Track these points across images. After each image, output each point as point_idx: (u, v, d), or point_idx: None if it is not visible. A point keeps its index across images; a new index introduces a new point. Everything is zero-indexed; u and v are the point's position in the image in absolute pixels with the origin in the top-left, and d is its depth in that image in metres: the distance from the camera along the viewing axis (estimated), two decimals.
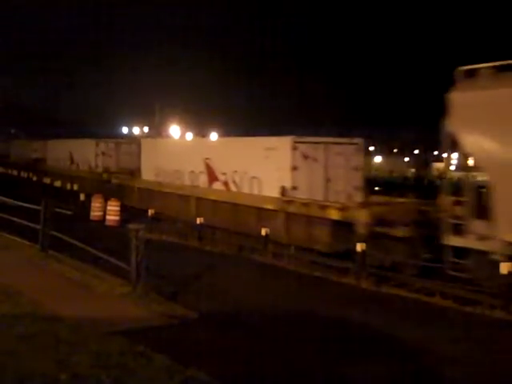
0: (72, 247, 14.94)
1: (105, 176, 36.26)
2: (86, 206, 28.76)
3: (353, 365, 8.55)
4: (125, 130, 75.22)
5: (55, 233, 15.60)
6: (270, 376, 7.90)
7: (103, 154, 38.58)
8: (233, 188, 23.03)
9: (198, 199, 24.86)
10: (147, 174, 30.34)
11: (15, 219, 17.83)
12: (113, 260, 12.95)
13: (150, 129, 70.23)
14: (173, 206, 26.55)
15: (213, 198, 23.81)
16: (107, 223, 25.62)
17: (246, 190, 22.28)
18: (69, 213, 18.74)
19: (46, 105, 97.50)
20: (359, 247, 15.56)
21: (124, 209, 27.15)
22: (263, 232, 19.45)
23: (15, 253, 15.84)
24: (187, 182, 26.19)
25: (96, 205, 27.43)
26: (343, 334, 10.12)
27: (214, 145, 27.65)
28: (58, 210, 17.01)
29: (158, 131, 65.80)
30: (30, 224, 16.54)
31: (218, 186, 24.03)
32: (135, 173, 32.70)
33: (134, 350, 8.05)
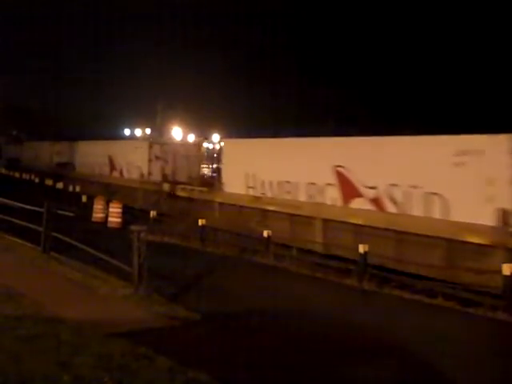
0: (74, 249, 14.94)
1: (166, 187, 29.99)
2: (88, 208, 28.79)
3: (354, 366, 8.53)
4: (127, 131, 75.32)
5: (57, 234, 15.61)
6: (271, 377, 7.90)
7: (157, 158, 32.04)
8: (390, 208, 17.72)
9: (326, 222, 19.59)
10: (234, 186, 24.64)
11: (17, 221, 17.84)
12: (115, 262, 12.95)
13: (152, 130, 70.30)
14: (281, 229, 20.78)
15: (355, 221, 18.51)
16: (109, 225, 25.64)
17: (416, 211, 16.90)
18: (71, 214, 18.72)
19: (46, 106, 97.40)
20: (361, 248, 15.55)
21: (128, 211, 27.17)
22: (265, 233, 19.44)
23: (17, 254, 15.85)
24: (304, 197, 20.89)
25: (98, 207, 27.47)
26: (345, 336, 10.10)
27: (351, 146, 20.44)
28: (59, 211, 16.99)
29: (160, 133, 65.86)
30: (31, 226, 16.56)
31: (360, 203, 18.70)
32: (211, 183, 27.69)
33: (136, 352, 8.05)
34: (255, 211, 22.45)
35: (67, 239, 15.26)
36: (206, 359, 8.19)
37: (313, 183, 20.46)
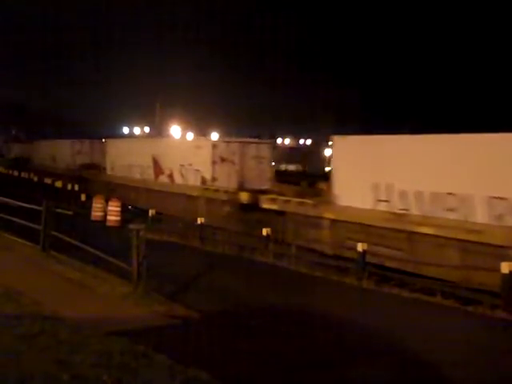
0: (73, 247, 14.94)
1: (244, 197, 24.08)
2: (87, 207, 28.77)
3: (353, 366, 8.54)
4: (126, 130, 75.30)
5: (56, 233, 15.60)
6: (271, 376, 7.90)
7: (222, 160, 26.61)
8: None
9: None
10: (353, 198, 18.49)
11: (16, 219, 17.83)
12: (114, 260, 12.95)
13: (150, 129, 70.28)
14: (443, 261, 15.47)
15: None
16: (108, 223, 25.64)
17: None
18: (69, 213, 18.72)
19: (44, 104, 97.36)
20: (360, 247, 15.55)
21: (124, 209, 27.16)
22: (264, 232, 19.43)
23: (16, 253, 15.84)
24: (482, 216, 14.81)
25: (97, 205, 27.45)
26: (344, 334, 10.11)
27: None
28: (58, 210, 16.99)
29: (158, 131, 65.82)
30: (30, 224, 16.55)
31: None
32: (320, 192, 22.37)
33: (136, 350, 8.05)
34: (394, 233, 16.86)
35: (66, 238, 15.25)
36: (206, 358, 8.19)
37: (500, 197, 14.38)
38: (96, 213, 27.26)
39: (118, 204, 26.33)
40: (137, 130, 71.36)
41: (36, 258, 15.22)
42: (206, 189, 26.53)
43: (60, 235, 15.43)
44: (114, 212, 25.97)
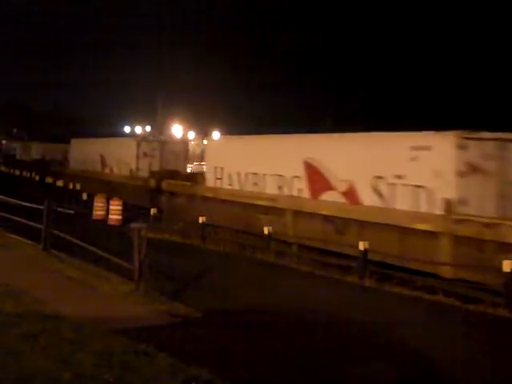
0: (74, 246, 14.95)
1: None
2: (89, 206, 28.80)
3: (354, 364, 8.54)
4: (127, 129, 75.33)
5: (57, 232, 15.62)
6: (271, 375, 7.91)
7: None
8: None
9: None
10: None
11: (17, 218, 17.86)
12: (115, 259, 12.96)
13: (152, 128, 70.28)
14: None
15: None
16: (109, 222, 25.67)
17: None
18: (71, 212, 18.75)
19: (45, 103, 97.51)
20: (361, 245, 15.55)
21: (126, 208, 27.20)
22: (265, 230, 19.43)
23: (18, 252, 15.88)
24: None
25: (98, 204, 27.48)
26: (345, 333, 10.10)
27: None
28: (60, 209, 17.01)
29: (160, 130, 65.81)
30: (32, 223, 16.57)
31: None
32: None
33: (137, 349, 8.06)
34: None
35: (68, 237, 15.27)
36: (207, 356, 8.19)
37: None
38: (97, 212, 27.29)
39: (120, 203, 26.36)
40: (138, 129, 71.37)
41: (37, 256, 15.24)
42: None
43: (61, 234, 15.44)
44: (115, 211, 26.00)
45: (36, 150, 60.88)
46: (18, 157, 65.61)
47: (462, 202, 15.80)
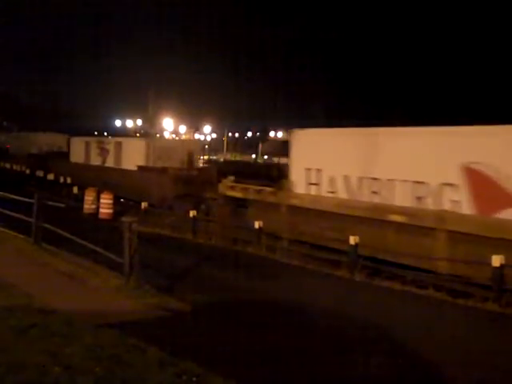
0: (65, 240, 14.91)
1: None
2: (80, 199, 28.71)
3: (343, 357, 8.59)
4: (118, 122, 75.15)
5: (48, 226, 15.57)
6: (261, 367, 7.94)
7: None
8: None
9: None
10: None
11: (7, 212, 17.77)
12: (106, 253, 12.94)
13: (143, 121, 70.15)
14: None
15: None
16: (100, 216, 25.60)
17: None
18: (61, 206, 18.67)
19: (36, 97, 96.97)
20: (352, 240, 15.59)
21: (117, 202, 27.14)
22: (257, 225, 19.45)
23: (8, 245, 15.81)
24: None
25: (89, 198, 27.38)
26: (335, 326, 10.16)
27: None
28: (50, 203, 16.95)
29: (151, 124, 65.70)
30: (22, 217, 16.51)
31: None
32: None
33: (127, 343, 8.07)
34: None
35: (58, 230, 15.22)
36: (197, 350, 8.22)
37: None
38: (88, 205, 27.21)
39: (111, 197, 26.28)
40: (129, 123, 71.19)
41: (28, 250, 15.19)
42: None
43: (52, 228, 15.40)
44: (106, 205, 25.93)
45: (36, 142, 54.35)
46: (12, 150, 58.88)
47: None
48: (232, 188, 23.95)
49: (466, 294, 13.31)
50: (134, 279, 11.69)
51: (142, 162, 33.55)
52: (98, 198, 26.76)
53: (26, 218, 16.22)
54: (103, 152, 38.33)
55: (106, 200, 26.04)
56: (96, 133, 74.93)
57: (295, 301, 11.84)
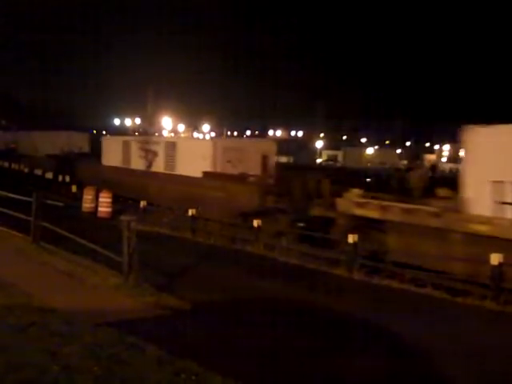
0: (64, 239, 14.90)
1: None
2: (78, 198, 28.69)
3: (341, 354, 8.60)
4: (116, 121, 75.10)
5: (47, 224, 15.56)
6: (261, 365, 7.95)
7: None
8: None
9: None
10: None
11: (6, 211, 17.76)
12: (105, 251, 12.94)
13: (142, 120, 70.09)
14: None
15: None
16: (99, 215, 25.58)
17: None
18: (60, 204, 18.66)
19: (34, 95, 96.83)
20: (351, 238, 15.60)
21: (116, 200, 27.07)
22: (255, 223, 19.44)
23: (6, 244, 15.80)
24: None
25: (88, 196, 27.36)
26: (333, 325, 10.17)
27: None
28: (49, 201, 16.93)
29: (150, 123, 65.62)
30: (21, 215, 16.49)
31: None
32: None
33: (126, 341, 8.07)
34: None
35: (57, 229, 15.21)
36: (196, 348, 8.23)
37: None
38: (87, 204, 27.19)
39: (109, 195, 26.25)
40: (128, 122, 71.14)
41: (26, 249, 15.18)
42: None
43: (51, 226, 15.39)
44: (105, 203, 25.91)
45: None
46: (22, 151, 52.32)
47: None
48: (362, 205, 18.24)
49: (465, 293, 13.33)
50: (133, 278, 11.69)
51: (207, 167, 27.28)
52: (96, 197, 26.76)
53: (25, 217, 16.21)
54: (149, 154, 31.60)
55: (105, 198, 26.02)
56: (95, 131, 74.72)
57: (295, 300, 11.85)
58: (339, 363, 8.26)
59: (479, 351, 9.12)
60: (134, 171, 32.48)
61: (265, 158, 28.34)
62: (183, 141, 33.71)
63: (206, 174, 26.89)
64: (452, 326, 10.55)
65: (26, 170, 45.32)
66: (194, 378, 6.94)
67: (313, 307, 11.32)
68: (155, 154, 31.34)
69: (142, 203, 25.86)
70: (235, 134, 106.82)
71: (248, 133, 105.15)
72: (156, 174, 30.61)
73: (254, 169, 27.08)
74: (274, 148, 30.14)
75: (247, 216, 21.53)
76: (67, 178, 25.26)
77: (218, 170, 27.17)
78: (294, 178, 24.08)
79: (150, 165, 31.59)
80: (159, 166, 30.86)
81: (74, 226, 17.25)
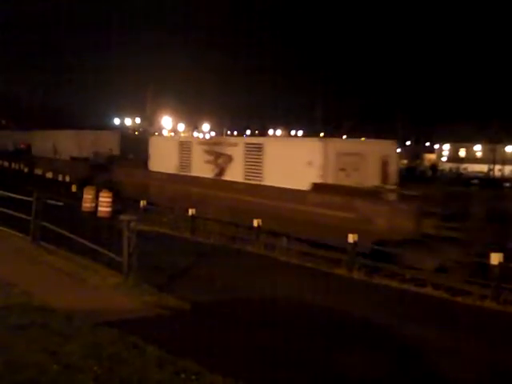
0: (63, 238, 14.90)
1: None
2: (78, 198, 28.66)
3: (340, 354, 8.60)
4: (116, 121, 75.04)
5: (46, 224, 15.55)
6: (260, 364, 7.95)
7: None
8: None
9: None
10: None
11: (6, 210, 17.75)
12: (105, 251, 12.94)
13: (141, 119, 70.06)
14: None
15: None
16: (99, 214, 25.55)
17: None
18: (60, 204, 18.65)
19: (32, 94, 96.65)
20: (351, 238, 15.61)
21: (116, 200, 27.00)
22: (255, 223, 19.45)
23: (6, 244, 15.80)
24: None
25: (88, 196, 27.33)
26: (333, 324, 10.17)
27: None
28: (49, 201, 16.92)
29: (150, 122, 65.61)
30: (21, 215, 16.49)
31: None
32: None
33: (126, 341, 8.08)
34: None
35: (57, 229, 15.21)
36: (196, 348, 8.23)
37: None
38: (87, 204, 27.16)
39: (109, 195, 26.22)
40: (128, 121, 71.12)
41: (26, 248, 15.17)
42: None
43: (50, 226, 15.39)
44: (105, 203, 25.88)
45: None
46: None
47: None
48: None
49: (465, 292, 13.34)
50: (133, 277, 11.69)
51: (315, 177, 20.76)
52: (96, 197, 26.72)
53: (25, 217, 16.20)
54: (220, 158, 25.56)
55: (105, 198, 26.00)
56: None
57: (295, 299, 11.85)
58: (339, 363, 8.27)
59: (479, 351, 9.12)
60: (196, 180, 26.76)
61: (385, 165, 22.11)
62: (274, 142, 25.88)
63: (316, 186, 20.39)
64: (452, 326, 10.54)
65: (26, 170, 45.26)
66: (194, 377, 6.94)
67: (313, 307, 11.31)
68: (229, 158, 25.13)
69: (142, 203, 25.66)
70: (235, 133, 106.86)
71: (248, 132, 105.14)
72: (230, 183, 24.44)
73: (371, 178, 21.30)
74: (395, 151, 23.87)
75: (388, 246, 16.32)
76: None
77: (330, 180, 20.77)
78: (472, 196, 18.54)
79: (220, 172, 25.55)
80: (235, 174, 24.59)
81: (74, 225, 17.23)
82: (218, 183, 24.96)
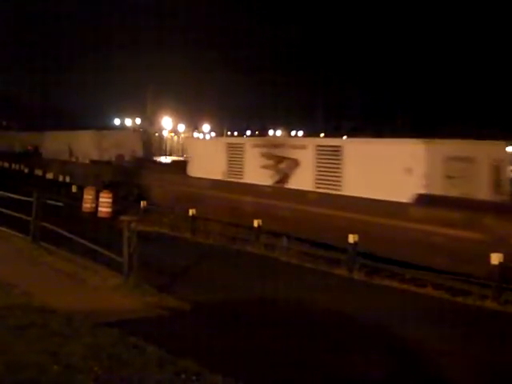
0: (64, 239, 14.90)
1: None
2: (78, 198, 28.65)
3: (340, 354, 8.60)
4: (117, 121, 75.02)
5: (47, 224, 15.55)
6: (261, 365, 7.95)
7: None
8: None
9: None
10: None
11: (6, 211, 17.75)
12: (105, 252, 12.93)
13: (142, 120, 70.06)
14: None
15: None
16: (99, 215, 25.54)
17: None
18: (60, 204, 18.66)
19: (33, 95, 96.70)
20: (351, 238, 15.59)
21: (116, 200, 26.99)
22: (255, 223, 19.43)
23: (6, 244, 15.80)
24: None
25: (88, 197, 27.32)
26: (333, 325, 10.17)
27: None
28: (49, 201, 16.92)
29: (150, 122, 65.60)
30: (21, 215, 16.49)
31: None
32: None
33: (127, 342, 8.07)
34: None
35: (57, 229, 15.21)
36: (196, 348, 8.22)
37: None
38: (87, 204, 27.15)
39: (110, 195, 26.21)
40: (128, 122, 71.12)
41: (26, 249, 15.18)
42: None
43: (51, 226, 15.38)
44: (105, 203, 25.87)
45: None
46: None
47: None
48: None
49: (465, 292, 13.33)
50: (134, 278, 11.69)
51: (415, 187, 17.32)
52: (96, 197, 26.72)
53: (25, 217, 16.21)
54: (282, 163, 22.34)
55: (105, 199, 25.99)
56: None
57: (295, 300, 11.85)
58: (339, 363, 8.27)
59: (480, 352, 9.12)
60: (251, 188, 23.12)
61: (496, 171, 18.62)
62: (358, 145, 21.20)
63: (421, 197, 17.06)
64: (452, 327, 10.53)
65: (26, 171, 45.26)
66: (194, 377, 6.94)
67: (313, 307, 11.31)
68: (294, 162, 21.86)
69: (142, 203, 25.65)
70: (235, 133, 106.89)
71: (248, 132, 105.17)
72: (299, 193, 21.10)
73: (481, 188, 18.04)
74: (508, 154, 20.05)
75: None
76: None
77: (436, 191, 17.30)
78: None
79: (282, 179, 22.24)
80: (301, 182, 21.34)
81: (74, 226, 17.23)
82: (279, 192, 21.78)
